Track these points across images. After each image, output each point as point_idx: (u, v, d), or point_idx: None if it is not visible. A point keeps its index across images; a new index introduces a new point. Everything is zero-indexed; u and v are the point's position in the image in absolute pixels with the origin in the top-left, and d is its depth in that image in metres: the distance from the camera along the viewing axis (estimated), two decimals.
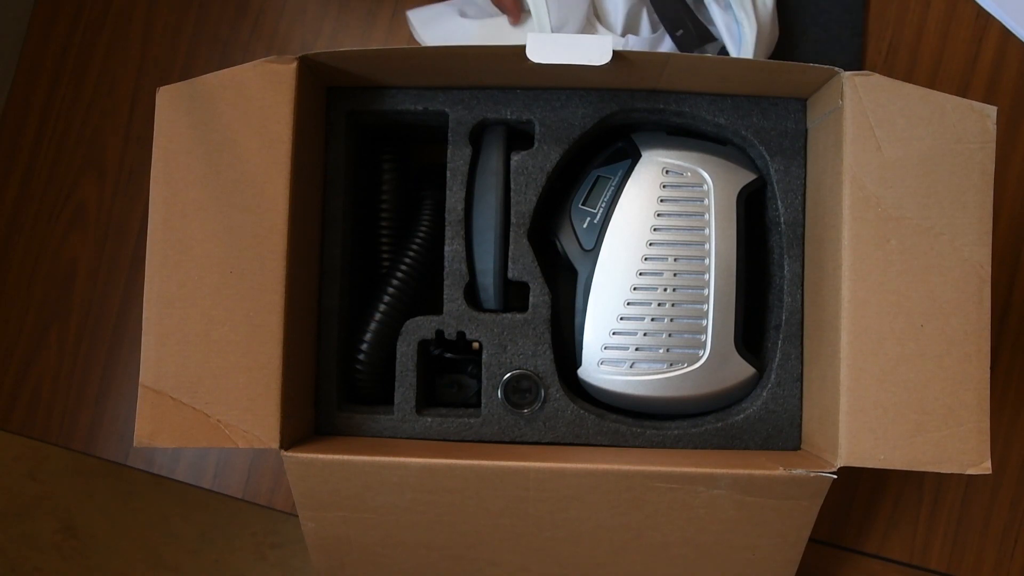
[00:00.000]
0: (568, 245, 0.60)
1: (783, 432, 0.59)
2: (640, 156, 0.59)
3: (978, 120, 0.51)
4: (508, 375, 0.59)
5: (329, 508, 0.55)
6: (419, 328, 0.59)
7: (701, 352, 0.58)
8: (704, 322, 0.58)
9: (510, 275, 0.59)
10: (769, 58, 0.70)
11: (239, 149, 0.53)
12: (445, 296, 0.59)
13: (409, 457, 0.52)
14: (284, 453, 0.52)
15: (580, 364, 0.59)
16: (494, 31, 0.71)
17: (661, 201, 0.59)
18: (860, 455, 0.51)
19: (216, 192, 0.53)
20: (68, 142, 0.78)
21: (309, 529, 0.56)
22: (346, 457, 0.53)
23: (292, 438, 0.54)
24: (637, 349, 0.58)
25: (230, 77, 0.53)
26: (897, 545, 0.72)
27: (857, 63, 0.73)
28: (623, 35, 0.69)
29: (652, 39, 0.69)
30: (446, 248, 0.60)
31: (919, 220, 0.51)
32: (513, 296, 0.60)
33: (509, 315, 0.59)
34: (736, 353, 0.59)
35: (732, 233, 0.59)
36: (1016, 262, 0.72)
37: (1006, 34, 0.74)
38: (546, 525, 0.54)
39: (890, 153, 0.51)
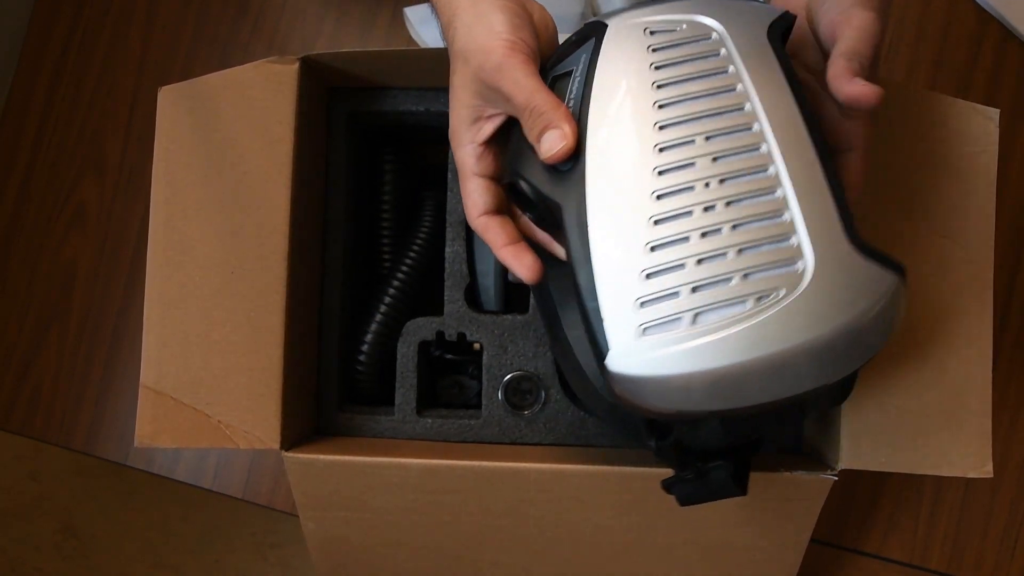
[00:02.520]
0: (535, 177, 0.40)
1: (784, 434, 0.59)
2: (605, 27, 0.40)
3: (981, 123, 0.51)
4: (508, 376, 0.59)
5: (330, 508, 0.55)
6: (420, 329, 0.59)
7: (800, 263, 0.36)
8: (786, 214, 0.37)
9: (510, 277, 0.59)
10: None
11: (240, 149, 0.53)
12: (446, 297, 0.59)
13: (410, 458, 0.52)
14: (285, 454, 0.52)
15: (606, 350, 0.37)
16: None
17: (656, 68, 0.39)
18: (861, 458, 0.51)
19: (217, 192, 0.53)
20: (68, 142, 0.78)
21: (310, 529, 0.56)
22: (347, 458, 0.53)
23: (293, 439, 0.54)
24: (695, 289, 0.36)
25: (231, 77, 0.53)
26: (897, 545, 0.72)
27: None
28: None
29: None
30: (447, 249, 0.60)
31: (921, 222, 0.51)
32: (514, 297, 0.60)
33: (510, 316, 0.59)
34: (856, 250, 0.37)
35: (779, 78, 0.38)
36: (1016, 262, 0.72)
37: (1006, 34, 0.74)
38: (547, 526, 0.54)
39: (893, 156, 0.51)
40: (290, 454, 0.52)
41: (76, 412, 0.76)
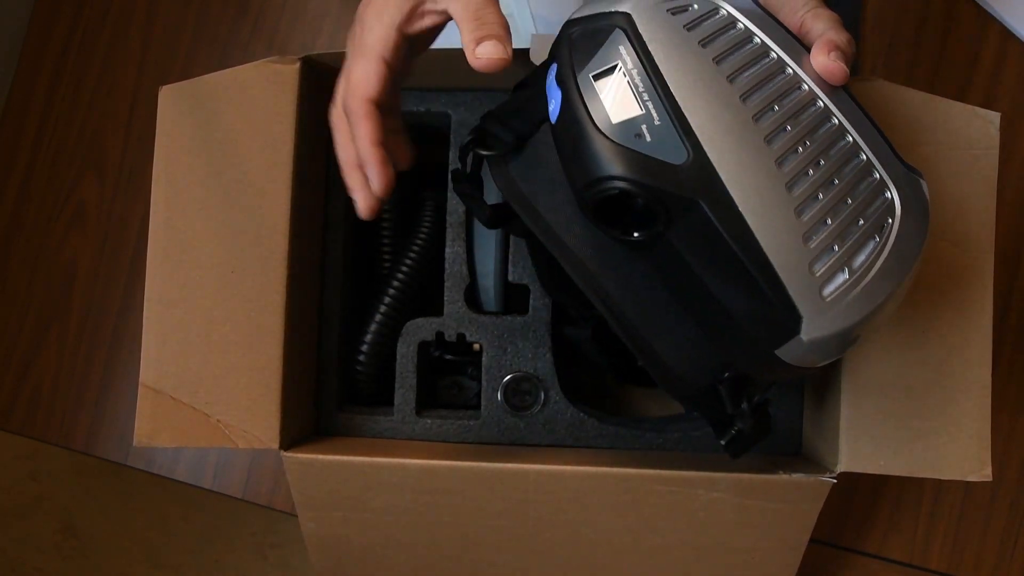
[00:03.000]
0: (648, 178, 0.37)
1: (783, 436, 0.59)
2: (628, 15, 0.40)
3: (981, 126, 0.51)
4: (508, 377, 0.59)
5: (328, 508, 0.55)
6: (419, 329, 0.59)
7: (888, 192, 0.40)
8: (862, 155, 0.41)
9: (510, 277, 0.59)
10: None
11: (241, 149, 0.53)
12: (445, 298, 0.59)
13: (408, 458, 0.52)
14: (284, 453, 0.52)
15: (800, 321, 0.39)
16: None
17: (705, 47, 0.39)
18: (860, 461, 0.51)
19: (218, 192, 0.53)
20: (68, 142, 0.78)
21: (309, 529, 0.56)
22: (346, 458, 0.53)
23: (292, 438, 0.54)
24: (843, 239, 0.39)
25: (232, 77, 0.53)
26: (897, 545, 0.72)
27: (852, 68, 0.73)
28: None
29: None
30: (447, 250, 0.60)
31: None
32: (513, 298, 0.60)
33: (509, 317, 0.59)
34: (907, 170, 0.42)
35: (792, 39, 0.42)
36: (1016, 262, 0.72)
37: (1006, 34, 0.74)
38: (545, 527, 0.54)
39: None
40: (289, 454, 0.52)
41: (76, 412, 0.76)
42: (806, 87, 0.40)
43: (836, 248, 0.38)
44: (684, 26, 0.39)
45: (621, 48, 0.39)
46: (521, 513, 0.53)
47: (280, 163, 0.53)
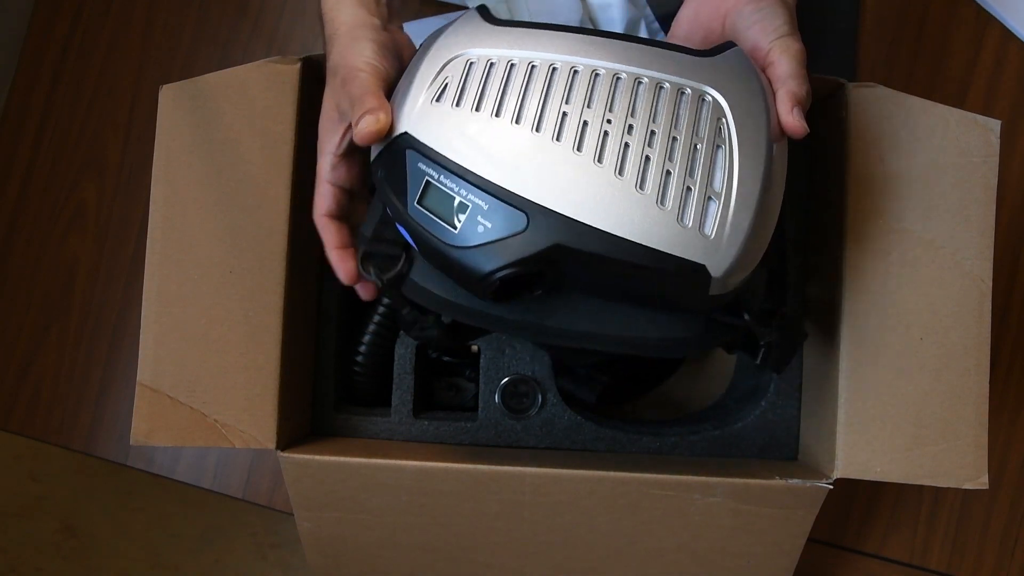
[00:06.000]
0: (508, 248, 0.40)
1: (780, 442, 0.59)
2: (406, 135, 0.43)
3: (981, 133, 0.51)
4: (506, 379, 0.59)
5: (325, 509, 0.55)
6: None
7: (707, 94, 0.43)
8: (665, 83, 0.43)
9: None
10: None
11: (241, 149, 0.53)
12: None
13: (406, 460, 0.52)
14: (281, 454, 0.52)
15: (704, 265, 0.40)
16: None
17: (497, 115, 0.42)
18: (857, 467, 0.51)
19: (217, 192, 0.53)
20: (68, 142, 0.78)
21: (305, 529, 0.56)
22: (342, 459, 0.53)
23: (289, 439, 0.54)
24: (690, 174, 0.42)
25: (233, 77, 0.53)
26: (897, 545, 0.71)
27: (850, 70, 0.73)
28: None
29: None
30: None
31: (921, 233, 0.51)
32: None
33: None
34: (710, 53, 0.45)
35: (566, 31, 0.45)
36: (1016, 263, 0.72)
37: (1006, 34, 0.74)
38: (541, 530, 0.54)
39: (893, 165, 0.51)
40: (286, 454, 0.52)
41: (76, 412, 0.76)
42: (581, 66, 0.41)
43: (691, 188, 0.40)
44: (451, 106, 0.41)
45: (420, 165, 0.41)
46: (517, 516, 0.53)
47: (280, 163, 0.53)
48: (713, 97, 0.41)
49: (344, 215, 0.49)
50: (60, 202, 0.78)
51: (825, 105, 0.56)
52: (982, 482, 0.50)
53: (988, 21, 0.74)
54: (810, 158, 0.59)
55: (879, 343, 0.51)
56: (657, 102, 0.41)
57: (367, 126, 0.43)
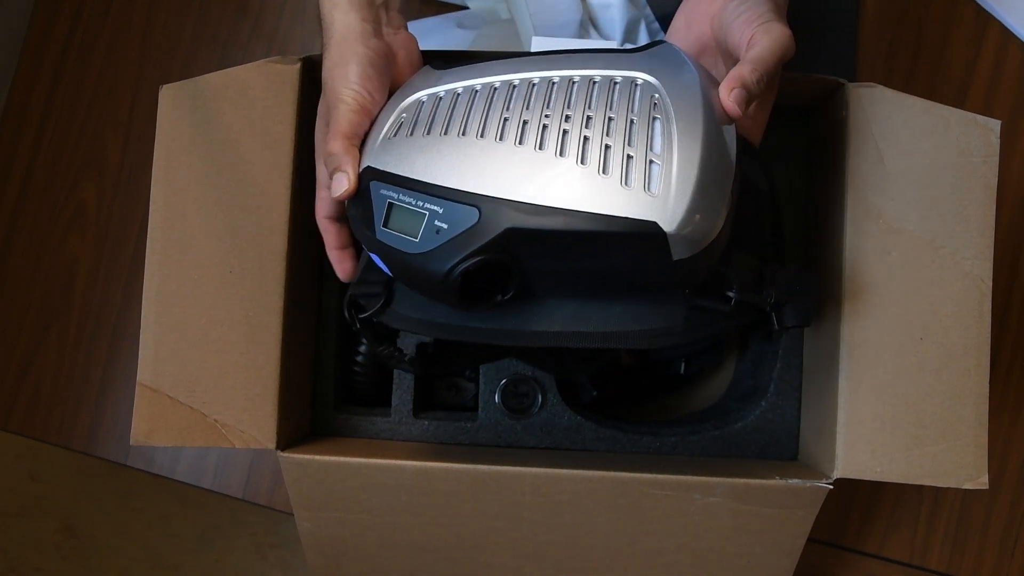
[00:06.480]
0: (465, 240, 0.42)
1: (780, 442, 0.59)
2: (368, 168, 0.46)
3: (981, 134, 0.51)
4: (506, 379, 0.59)
5: (325, 509, 0.55)
6: None
7: (638, 78, 0.45)
8: (595, 76, 0.46)
9: None
10: None
11: (241, 149, 0.53)
12: None
13: (405, 460, 0.52)
14: (280, 454, 0.52)
15: (656, 222, 0.41)
16: (492, 42, 0.71)
17: (444, 133, 0.45)
18: (857, 467, 0.51)
19: (217, 192, 0.53)
20: (68, 142, 0.78)
21: (305, 529, 0.56)
22: (342, 459, 0.53)
23: (289, 439, 0.54)
24: (630, 144, 0.44)
25: (233, 77, 0.53)
26: (897, 545, 0.71)
27: (850, 70, 0.73)
28: (622, 44, 0.69)
29: None
30: None
31: (920, 233, 0.51)
32: None
33: None
34: (643, 48, 0.48)
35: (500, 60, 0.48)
36: (1016, 263, 0.72)
37: (1006, 34, 0.74)
38: (541, 529, 0.54)
39: (892, 165, 0.51)
40: (286, 454, 0.52)
41: (76, 412, 0.76)
42: (518, 80, 0.45)
43: (632, 156, 0.41)
44: (405, 136, 0.45)
45: (382, 191, 0.44)
46: (517, 515, 0.53)
47: (280, 163, 0.53)
48: (645, 79, 0.43)
49: (343, 217, 0.51)
50: (60, 202, 0.78)
51: (825, 105, 0.56)
52: (982, 482, 0.50)
53: (988, 21, 0.74)
54: (810, 158, 0.59)
55: (879, 343, 0.51)
56: (592, 93, 0.43)
57: (338, 188, 0.45)
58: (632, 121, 0.42)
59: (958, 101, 0.73)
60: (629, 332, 0.45)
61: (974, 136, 0.51)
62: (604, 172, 0.40)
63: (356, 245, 0.52)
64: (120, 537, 1.27)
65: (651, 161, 0.41)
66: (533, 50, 0.54)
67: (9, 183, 0.79)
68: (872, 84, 0.52)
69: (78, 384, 0.77)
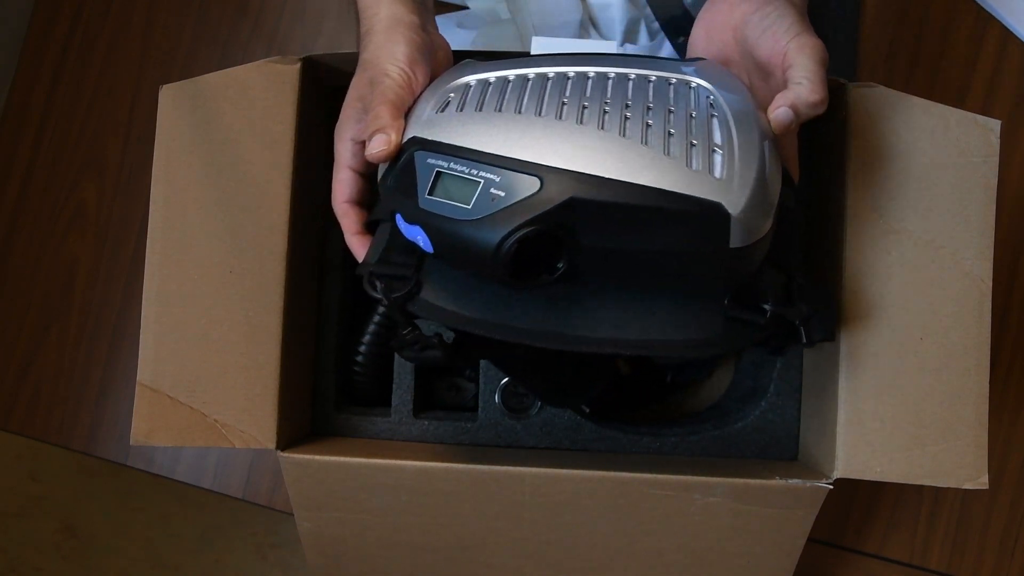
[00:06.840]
0: (524, 208, 0.41)
1: (780, 442, 0.59)
2: (414, 138, 0.45)
3: (981, 134, 0.51)
4: (506, 379, 0.59)
5: (325, 509, 0.55)
6: None
7: (692, 82, 0.47)
8: (652, 76, 0.48)
9: None
10: None
11: (241, 149, 0.53)
12: None
13: (405, 460, 0.52)
14: (280, 454, 0.52)
15: (720, 203, 0.41)
16: (492, 42, 0.71)
17: (499, 109, 0.45)
18: (857, 467, 0.51)
19: (217, 191, 0.53)
20: (68, 142, 0.79)
21: (305, 529, 0.56)
22: (342, 459, 0.53)
23: (289, 439, 0.54)
24: (691, 133, 0.45)
25: (233, 77, 0.53)
26: (897, 545, 0.71)
27: (851, 70, 0.73)
28: (622, 44, 0.69)
29: (650, 47, 0.69)
30: None
31: (920, 233, 0.51)
32: None
33: None
34: (689, 60, 0.51)
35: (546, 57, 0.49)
36: (1016, 263, 0.72)
37: (1006, 34, 0.74)
38: (541, 529, 0.54)
39: (892, 165, 0.51)
40: (286, 454, 0.52)
41: (76, 412, 0.76)
42: (572, 73, 0.45)
43: (695, 142, 0.42)
44: (455, 111, 0.44)
45: (429, 160, 0.43)
46: (517, 516, 0.53)
47: (280, 163, 0.53)
48: (698, 83, 0.45)
49: (364, 201, 0.50)
50: (60, 202, 0.78)
51: None
52: (982, 482, 0.50)
53: (988, 21, 0.74)
54: (810, 158, 0.59)
55: (878, 343, 0.51)
56: (649, 88, 0.44)
57: (377, 147, 0.44)
58: (691, 115, 0.42)
59: (958, 101, 0.74)
60: (671, 341, 0.44)
61: (974, 136, 0.51)
62: (668, 153, 0.41)
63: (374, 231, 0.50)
64: (120, 537, 1.27)
65: (713, 150, 0.41)
66: (533, 50, 0.54)
67: (9, 183, 0.79)
68: (872, 84, 0.52)
69: (78, 384, 0.77)
